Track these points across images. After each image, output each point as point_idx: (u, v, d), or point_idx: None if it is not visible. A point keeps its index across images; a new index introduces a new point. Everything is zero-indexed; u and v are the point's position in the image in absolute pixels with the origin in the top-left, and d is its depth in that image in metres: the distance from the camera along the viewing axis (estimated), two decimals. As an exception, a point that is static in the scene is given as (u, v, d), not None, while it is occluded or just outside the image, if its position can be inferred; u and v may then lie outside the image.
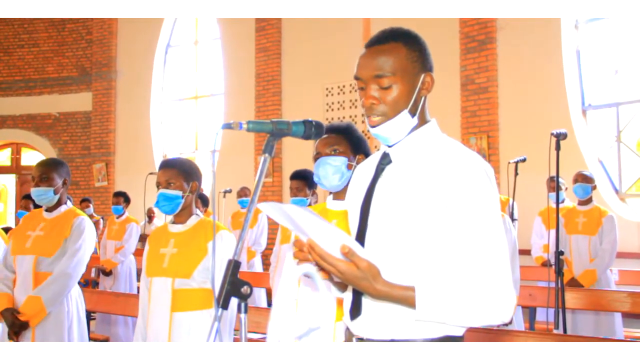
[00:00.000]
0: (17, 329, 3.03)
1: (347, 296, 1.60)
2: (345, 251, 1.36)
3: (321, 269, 1.42)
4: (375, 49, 1.56)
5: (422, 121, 1.59)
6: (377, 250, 1.51)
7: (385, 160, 1.60)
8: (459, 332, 1.49)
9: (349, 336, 1.59)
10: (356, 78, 1.58)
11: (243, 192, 7.78)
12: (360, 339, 1.54)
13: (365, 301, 1.52)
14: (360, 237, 1.56)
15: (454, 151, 1.53)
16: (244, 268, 6.77)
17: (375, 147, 2.40)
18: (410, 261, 1.48)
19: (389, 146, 1.61)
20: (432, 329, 1.46)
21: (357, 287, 1.41)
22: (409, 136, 1.57)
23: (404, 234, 1.49)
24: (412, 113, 1.56)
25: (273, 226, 7.39)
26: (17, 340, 3.03)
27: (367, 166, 1.69)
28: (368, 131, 1.63)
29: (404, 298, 1.41)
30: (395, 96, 1.53)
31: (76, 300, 3.27)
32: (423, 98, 1.58)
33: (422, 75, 1.57)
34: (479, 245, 1.44)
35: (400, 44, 1.56)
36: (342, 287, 1.62)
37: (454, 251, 1.46)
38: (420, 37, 1.61)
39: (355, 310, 1.54)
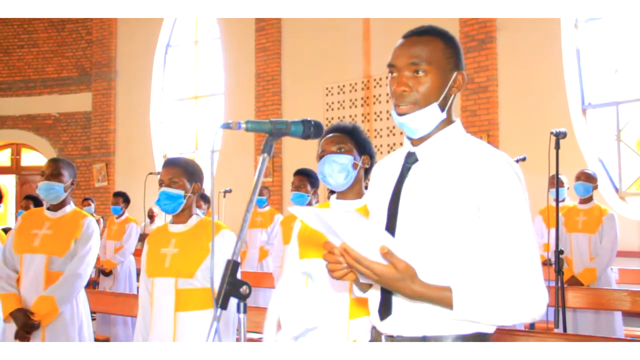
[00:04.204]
0: (29, 329, 3.02)
1: (374, 295, 1.58)
2: (384, 252, 1.35)
3: (352, 270, 1.41)
4: (414, 39, 1.57)
5: (448, 120, 1.59)
6: (406, 251, 1.50)
7: (411, 159, 1.59)
8: (490, 330, 1.50)
9: (376, 335, 1.58)
10: (390, 65, 1.57)
11: (260, 191, 7.69)
12: (391, 337, 1.53)
13: (396, 300, 1.51)
14: None
15: (483, 151, 1.53)
16: (253, 267, 6.76)
17: (377, 147, 2.40)
18: (441, 261, 1.47)
19: (412, 143, 1.60)
20: (464, 325, 1.46)
21: (393, 288, 1.40)
22: (436, 135, 1.57)
23: (435, 234, 1.49)
24: (442, 108, 1.55)
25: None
26: (27, 341, 3.02)
27: (389, 166, 1.67)
28: (393, 123, 1.62)
29: (441, 298, 1.41)
30: (428, 87, 1.54)
31: (84, 301, 3.29)
32: (453, 95, 1.58)
33: (455, 73, 1.57)
34: (511, 244, 1.45)
35: (438, 39, 1.57)
36: (365, 287, 1.61)
37: (487, 251, 1.47)
38: (456, 38, 1.62)
39: (385, 310, 1.53)
